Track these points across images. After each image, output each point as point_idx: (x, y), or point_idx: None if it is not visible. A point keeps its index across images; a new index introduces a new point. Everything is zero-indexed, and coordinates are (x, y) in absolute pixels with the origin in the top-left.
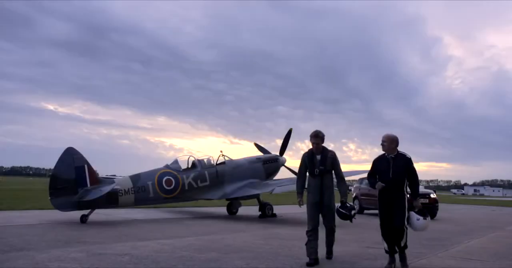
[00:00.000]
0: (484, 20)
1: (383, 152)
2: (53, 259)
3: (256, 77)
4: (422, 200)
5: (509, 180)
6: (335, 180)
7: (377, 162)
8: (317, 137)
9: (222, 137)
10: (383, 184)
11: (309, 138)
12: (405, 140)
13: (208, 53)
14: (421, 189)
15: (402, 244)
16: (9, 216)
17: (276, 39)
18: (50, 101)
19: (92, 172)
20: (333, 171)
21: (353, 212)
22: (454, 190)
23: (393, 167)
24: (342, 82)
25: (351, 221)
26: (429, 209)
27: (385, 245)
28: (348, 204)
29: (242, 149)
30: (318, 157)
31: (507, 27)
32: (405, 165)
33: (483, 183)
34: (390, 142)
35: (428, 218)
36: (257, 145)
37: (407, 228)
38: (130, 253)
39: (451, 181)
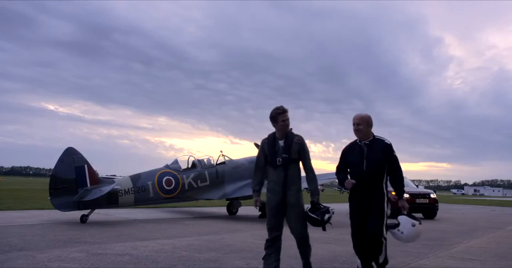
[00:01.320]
0: (485, 21)
1: (355, 139)
2: (53, 259)
3: (257, 77)
4: (422, 200)
5: (509, 180)
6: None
7: (347, 152)
8: (286, 113)
9: (222, 137)
10: (354, 181)
11: (308, 139)
12: (405, 140)
13: (209, 53)
14: (421, 189)
15: (381, 260)
16: (9, 216)
17: (277, 39)
18: (50, 101)
19: (92, 172)
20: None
21: (326, 216)
22: (454, 190)
23: (367, 157)
24: (342, 82)
25: (324, 228)
26: (429, 209)
27: (358, 262)
28: (321, 206)
29: (242, 149)
30: (281, 142)
31: (508, 27)
32: (383, 153)
33: (483, 183)
34: (366, 124)
35: (420, 224)
36: (257, 145)
37: (386, 239)
38: (130, 253)
39: (451, 181)
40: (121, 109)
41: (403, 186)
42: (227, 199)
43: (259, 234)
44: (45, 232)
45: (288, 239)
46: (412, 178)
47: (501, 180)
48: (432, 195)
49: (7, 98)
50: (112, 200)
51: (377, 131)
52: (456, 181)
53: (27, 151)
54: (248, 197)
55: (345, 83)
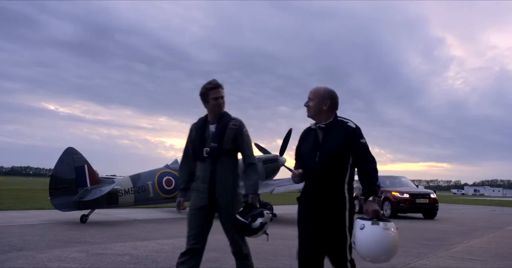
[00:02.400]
0: (487, 21)
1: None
2: (53, 259)
3: (258, 77)
4: (422, 200)
5: (509, 180)
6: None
7: (302, 139)
8: (219, 88)
9: None
10: (300, 171)
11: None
12: (406, 140)
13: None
14: (421, 189)
15: None
16: (9, 216)
17: (278, 39)
18: (50, 101)
19: (92, 172)
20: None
21: (259, 221)
22: (454, 190)
23: (322, 145)
24: (343, 82)
25: (253, 234)
26: (429, 209)
27: None
28: (254, 209)
29: None
30: (212, 128)
31: (509, 27)
32: (345, 140)
33: (483, 183)
34: (319, 100)
35: (393, 229)
36: (257, 145)
37: (352, 262)
38: (130, 253)
39: (451, 181)
40: (121, 109)
41: (374, 182)
42: None
43: None
44: (45, 232)
45: (288, 240)
46: (412, 178)
47: (501, 180)
48: (432, 195)
49: (7, 98)
50: (112, 200)
51: (378, 131)
52: (456, 181)
53: (27, 151)
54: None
55: (345, 83)
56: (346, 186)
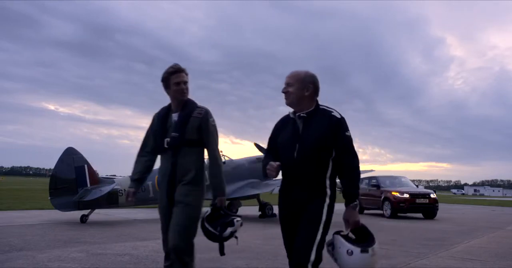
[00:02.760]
0: (487, 21)
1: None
2: (53, 259)
3: (258, 77)
4: (422, 200)
5: (509, 180)
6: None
7: (278, 128)
8: (182, 72)
9: (223, 137)
10: (278, 163)
11: None
12: (406, 140)
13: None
14: (421, 189)
15: None
16: (9, 216)
17: (278, 39)
18: (50, 101)
19: (92, 172)
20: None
21: (228, 231)
22: (454, 190)
23: (302, 136)
24: (343, 82)
25: (221, 248)
26: (429, 209)
27: None
28: (224, 213)
29: (243, 149)
30: (175, 116)
31: (510, 27)
32: (328, 131)
33: (483, 183)
34: (300, 85)
35: (375, 250)
36: (257, 145)
37: (315, 265)
38: (130, 253)
39: (451, 181)
40: (121, 109)
41: (356, 185)
42: (227, 199)
43: (259, 234)
44: (45, 232)
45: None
46: (412, 178)
47: (501, 180)
48: (432, 195)
49: (7, 98)
50: (112, 200)
51: (378, 131)
52: (456, 181)
53: (27, 151)
54: (248, 197)
55: (345, 83)
56: (328, 182)
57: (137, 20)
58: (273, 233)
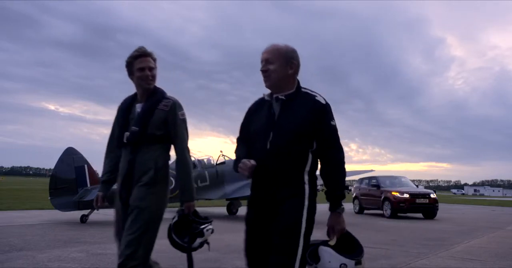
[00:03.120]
0: (487, 21)
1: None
2: (53, 259)
3: (259, 77)
4: (422, 200)
5: (509, 180)
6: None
7: (252, 113)
8: (147, 57)
9: (223, 137)
10: (253, 162)
11: None
12: (406, 140)
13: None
14: (421, 189)
15: None
16: (9, 216)
17: (279, 39)
18: (51, 101)
19: (92, 172)
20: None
21: (197, 243)
22: (454, 190)
23: (279, 123)
24: (344, 83)
25: (189, 259)
26: (429, 209)
27: None
28: (194, 221)
29: None
30: (139, 107)
31: (510, 27)
32: (310, 118)
33: (483, 183)
34: (283, 61)
35: (364, 259)
36: None
37: None
38: None
39: (451, 181)
40: None
41: (342, 184)
42: (227, 199)
43: None
44: (45, 232)
45: None
46: (412, 178)
47: (501, 180)
48: (432, 195)
49: (8, 98)
50: (112, 200)
51: (378, 131)
52: (456, 181)
53: (27, 151)
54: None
55: (346, 83)
56: (306, 178)
57: (137, 20)
58: None
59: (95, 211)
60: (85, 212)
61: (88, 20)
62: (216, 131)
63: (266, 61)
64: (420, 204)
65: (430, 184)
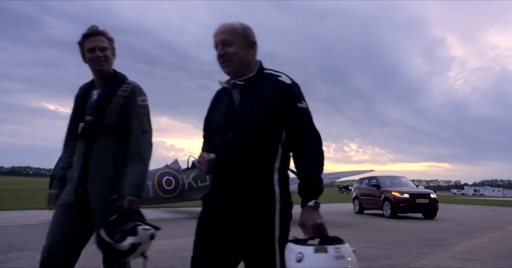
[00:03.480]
0: (488, 21)
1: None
2: None
3: None
4: (422, 200)
5: (509, 180)
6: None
7: (213, 104)
8: (99, 35)
9: None
10: (212, 156)
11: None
12: (406, 140)
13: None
14: (421, 189)
15: None
16: (9, 216)
17: (280, 40)
18: (51, 101)
19: None
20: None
21: (128, 242)
22: (454, 190)
23: (239, 113)
24: (344, 83)
25: (121, 257)
26: (429, 209)
27: None
28: (131, 220)
29: None
30: (95, 94)
31: (510, 27)
32: (274, 103)
33: (483, 183)
34: (242, 41)
35: (350, 256)
36: None
37: None
38: None
39: (451, 181)
40: None
41: (317, 175)
42: None
43: None
44: (45, 232)
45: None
46: (412, 178)
47: (501, 180)
48: (432, 195)
49: (8, 98)
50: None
51: (378, 131)
52: (456, 181)
53: (27, 151)
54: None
55: (346, 83)
56: (276, 177)
57: (137, 20)
58: None
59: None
60: None
61: (89, 20)
62: None
63: (222, 44)
64: (420, 204)
65: (430, 184)
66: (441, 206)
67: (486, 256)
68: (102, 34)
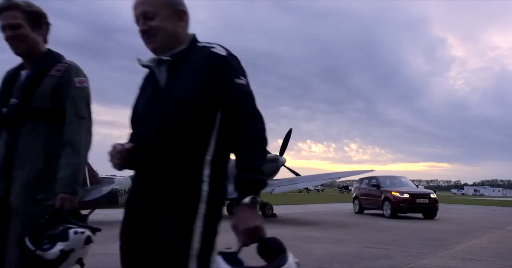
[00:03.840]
0: (488, 21)
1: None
2: None
3: (260, 77)
4: (422, 200)
5: (509, 180)
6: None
7: (140, 92)
8: (13, 9)
9: None
10: (123, 147)
11: (309, 139)
12: (406, 140)
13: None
14: (421, 189)
15: None
16: None
17: (281, 40)
18: None
19: (93, 172)
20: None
21: (58, 248)
22: (454, 190)
23: (164, 93)
24: (344, 83)
25: (45, 266)
26: (429, 209)
27: None
28: (60, 222)
29: None
30: (24, 74)
31: (511, 28)
32: (206, 80)
33: (483, 183)
34: (169, 11)
35: None
36: None
37: None
38: None
39: (451, 181)
40: (122, 109)
41: (257, 165)
42: (227, 199)
43: None
44: None
45: (288, 240)
46: (412, 178)
47: (501, 180)
48: (432, 195)
49: None
50: (112, 200)
51: (378, 131)
52: (456, 181)
53: None
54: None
55: (346, 84)
56: (206, 172)
57: None
58: (273, 233)
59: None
60: (85, 212)
61: (90, 20)
62: None
63: (144, 17)
64: (420, 204)
65: (430, 184)
66: (441, 206)
67: (486, 256)
68: (15, 7)
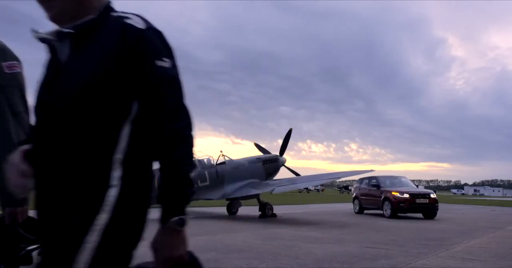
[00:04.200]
0: (488, 21)
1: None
2: None
3: (260, 77)
4: (422, 200)
5: (509, 180)
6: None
7: (43, 73)
8: None
9: (224, 137)
10: (17, 164)
11: (309, 138)
12: (406, 140)
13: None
14: (421, 189)
15: None
16: None
17: (281, 40)
18: None
19: None
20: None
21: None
22: (454, 190)
23: (65, 73)
24: (344, 83)
25: None
26: (429, 209)
27: None
28: (20, 238)
29: (244, 149)
30: None
31: (511, 28)
32: (114, 57)
33: (483, 183)
34: None
35: None
36: (257, 145)
37: None
38: None
39: (451, 181)
40: None
41: (182, 175)
42: (227, 199)
43: (259, 234)
44: None
45: (288, 240)
46: (412, 178)
47: (501, 180)
48: (432, 195)
49: None
50: None
51: (378, 131)
52: (456, 181)
53: None
54: (248, 197)
55: (346, 84)
56: (116, 174)
57: None
58: (273, 233)
59: None
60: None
61: None
62: (217, 131)
63: None
64: (420, 204)
65: (430, 184)
66: (441, 206)
67: (486, 256)
68: None
